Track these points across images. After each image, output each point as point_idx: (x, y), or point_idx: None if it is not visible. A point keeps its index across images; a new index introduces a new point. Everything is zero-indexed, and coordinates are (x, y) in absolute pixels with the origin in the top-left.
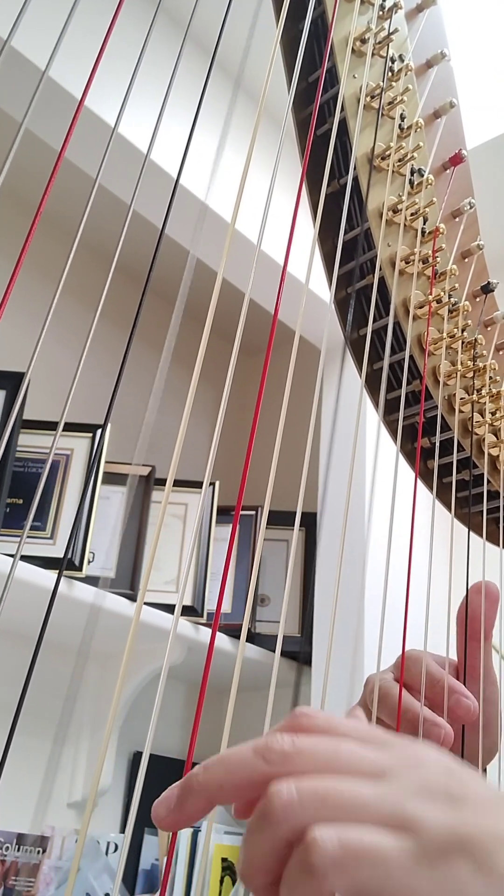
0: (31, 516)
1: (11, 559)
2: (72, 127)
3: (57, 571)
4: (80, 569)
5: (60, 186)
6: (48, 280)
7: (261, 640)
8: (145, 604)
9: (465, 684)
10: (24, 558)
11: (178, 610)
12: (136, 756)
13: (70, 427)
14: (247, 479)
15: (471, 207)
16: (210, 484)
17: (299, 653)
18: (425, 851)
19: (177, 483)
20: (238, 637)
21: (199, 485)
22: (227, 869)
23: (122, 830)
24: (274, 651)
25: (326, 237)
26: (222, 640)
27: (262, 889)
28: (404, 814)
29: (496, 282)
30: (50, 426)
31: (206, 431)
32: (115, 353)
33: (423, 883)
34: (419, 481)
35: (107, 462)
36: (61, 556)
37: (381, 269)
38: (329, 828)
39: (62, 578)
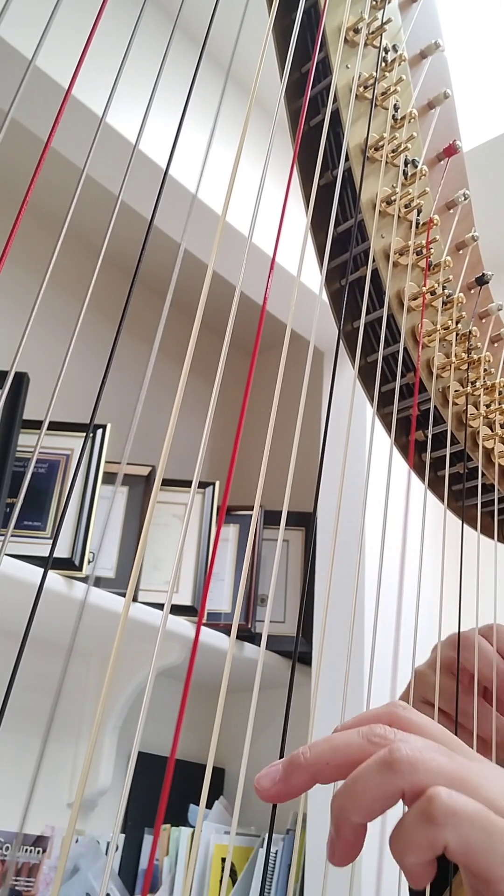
0: (16, 512)
1: (13, 559)
2: (58, 116)
3: (57, 572)
4: (80, 569)
5: (57, 183)
6: (53, 283)
7: (261, 640)
8: (146, 604)
9: None
10: (24, 558)
11: (166, 608)
12: (138, 756)
13: (70, 427)
14: (248, 479)
15: (465, 199)
16: (210, 484)
17: (299, 652)
18: None
19: (177, 483)
20: (240, 637)
21: (200, 485)
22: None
23: (124, 830)
24: (275, 651)
25: (319, 229)
26: (222, 640)
27: (352, 828)
28: (500, 801)
29: (491, 273)
30: (51, 426)
31: (210, 432)
32: (119, 354)
33: None
34: (414, 475)
35: (107, 462)
36: (61, 556)
37: (374, 261)
38: (449, 789)
39: (62, 579)
